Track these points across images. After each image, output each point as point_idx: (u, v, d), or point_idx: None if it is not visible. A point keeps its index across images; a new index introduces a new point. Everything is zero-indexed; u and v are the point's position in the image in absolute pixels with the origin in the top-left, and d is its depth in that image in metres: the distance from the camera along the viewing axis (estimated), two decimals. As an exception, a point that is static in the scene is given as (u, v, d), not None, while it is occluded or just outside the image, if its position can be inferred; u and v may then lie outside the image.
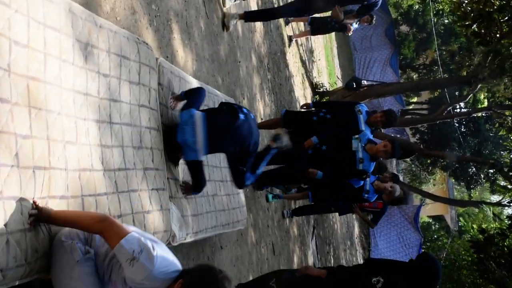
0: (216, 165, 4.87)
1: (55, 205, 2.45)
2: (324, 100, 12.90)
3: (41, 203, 2.36)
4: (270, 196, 7.32)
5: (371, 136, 6.34)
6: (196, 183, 4.02)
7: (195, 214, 4.13)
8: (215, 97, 4.95)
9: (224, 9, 6.29)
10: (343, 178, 6.29)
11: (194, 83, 4.47)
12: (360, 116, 6.35)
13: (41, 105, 2.46)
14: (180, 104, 4.06)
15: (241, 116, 3.95)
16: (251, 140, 4.04)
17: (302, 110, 6.92)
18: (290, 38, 10.84)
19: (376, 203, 7.50)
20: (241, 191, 5.37)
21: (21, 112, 2.32)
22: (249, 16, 6.72)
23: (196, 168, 3.93)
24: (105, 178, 2.89)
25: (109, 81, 3.06)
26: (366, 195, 6.87)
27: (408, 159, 27.57)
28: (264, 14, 7.24)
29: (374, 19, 10.74)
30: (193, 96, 3.96)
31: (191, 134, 3.71)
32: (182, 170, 4.14)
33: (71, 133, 2.64)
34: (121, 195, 3.01)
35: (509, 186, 17.75)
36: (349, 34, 10.88)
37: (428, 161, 24.15)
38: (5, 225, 2.14)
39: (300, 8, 6.50)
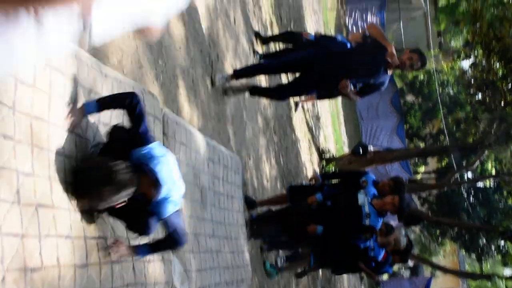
0: (220, 221, 4.82)
1: (62, 244, 2.42)
2: (331, 165, 12.90)
3: (48, 242, 2.34)
4: (268, 263, 7.05)
5: (375, 191, 6.25)
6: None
7: (198, 269, 4.05)
8: (220, 152, 4.96)
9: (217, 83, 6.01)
10: (349, 235, 6.15)
11: (199, 137, 4.49)
12: (364, 208, 6.20)
13: (44, 144, 2.46)
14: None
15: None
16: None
17: (309, 184, 6.97)
18: (296, 103, 10.96)
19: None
20: (246, 249, 5.29)
21: (23, 149, 2.32)
22: (252, 90, 6.58)
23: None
24: (106, 222, 2.86)
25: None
26: (371, 253, 6.69)
27: (417, 230, 27.24)
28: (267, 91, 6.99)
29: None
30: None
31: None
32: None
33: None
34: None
35: (520, 256, 17.42)
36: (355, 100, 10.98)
37: (438, 231, 23.84)
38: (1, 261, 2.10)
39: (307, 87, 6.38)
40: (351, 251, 6.51)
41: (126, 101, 2.77)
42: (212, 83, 5.81)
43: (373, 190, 6.07)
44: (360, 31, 22.13)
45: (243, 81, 6.47)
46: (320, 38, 7.92)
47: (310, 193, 6.42)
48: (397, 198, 5.77)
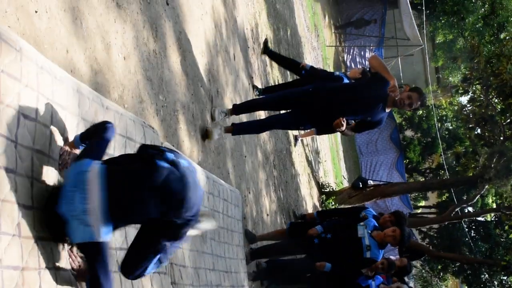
0: (220, 255, 4.80)
1: (60, 279, 2.42)
2: (330, 200, 12.88)
3: (47, 274, 2.34)
4: None
5: (376, 224, 6.23)
6: (93, 280, 2.46)
7: (198, 303, 4.03)
8: (220, 186, 4.97)
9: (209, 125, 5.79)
10: (351, 268, 6.09)
11: (199, 170, 4.50)
12: (364, 240, 6.18)
13: (45, 178, 2.48)
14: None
15: (162, 163, 2.59)
16: (185, 200, 2.58)
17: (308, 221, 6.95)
18: (295, 138, 11.01)
19: None
20: (246, 283, 5.25)
21: (24, 183, 2.34)
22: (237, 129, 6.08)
23: (92, 256, 2.46)
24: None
25: (114, 160, 3.09)
26: None
27: (418, 264, 27.03)
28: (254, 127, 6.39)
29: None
30: (93, 139, 2.66)
31: (80, 200, 2.40)
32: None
33: (73, 208, 2.64)
34: (122, 275, 2.95)
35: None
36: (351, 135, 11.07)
37: (439, 266, 23.65)
38: (1, 293, 2.10)
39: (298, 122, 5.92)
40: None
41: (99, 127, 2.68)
42: (212, 118, 5.81)
43: (373, 222, 6.06)
44: (359, 67, 22.40)
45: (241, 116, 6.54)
46: (318, 70, 8.03)
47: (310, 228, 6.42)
48: (398, 231, 5.75)
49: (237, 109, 6.04)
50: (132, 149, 3.32)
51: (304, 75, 7.76)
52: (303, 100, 5.57)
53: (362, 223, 5.95)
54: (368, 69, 7.41)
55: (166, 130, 4.61)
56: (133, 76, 4.10)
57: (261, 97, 7.71)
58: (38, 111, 2.49)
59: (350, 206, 12.42)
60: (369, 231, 5.87)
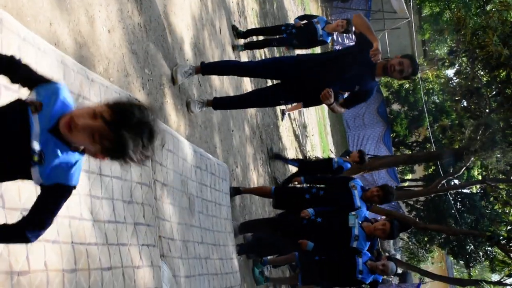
0: (208, 228, 4.83)
1: (49, 249, 2.41)
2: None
3: (35, 246, 2.33)
4: (256, 271, 7.00)
5: (367, 213, 6.27)
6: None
7: (187, 275, 4.05)
8: (207, 160, 4.97)
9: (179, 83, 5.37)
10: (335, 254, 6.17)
11: (187, 144, 4.50)
12: (355, 192, 6.24)
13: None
14: None
15: None
16: None
17: (294, 186, 6.89)
18: (283, 112, 11.00)
19: None
20: (234, 256, 5.29)
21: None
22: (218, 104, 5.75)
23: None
24: (95, 229, 2.86)
25: (100, 133, 3.08)
26: (360, 276, 6.62)
27: (405, 237, 27.34)
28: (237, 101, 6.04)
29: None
30: None
31: None
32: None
33: (60, 181, 2.63)
34: (111, 247, 2.97)
35: (508, 261, 17.49)
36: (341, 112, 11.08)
37: (426, 238, 23.93)
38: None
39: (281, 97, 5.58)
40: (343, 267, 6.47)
41: None
42: (173, 81, 5.18)
43: (364, 212, 6.08)
44: (345, 41, 22.32)
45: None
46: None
47: (297, 196, 6.45)
48: (388, 224, 5.78)
49: (205, 67, 5.46)
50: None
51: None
52: (286, 71, 5.26)
53: (353, 213, 5.95)
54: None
55: (153, 104, 4.58)
56: (118, 49, 4.06)
57: (236, 60, 7.29)
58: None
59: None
60: (360, 222, 5.89)
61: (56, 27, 3.22)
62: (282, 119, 11.01)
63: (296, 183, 6.79)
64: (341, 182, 6.54)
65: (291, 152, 11.35)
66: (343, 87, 5.36)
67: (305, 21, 8.33)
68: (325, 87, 4.95)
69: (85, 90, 2.96)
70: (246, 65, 5.77)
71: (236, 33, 7.97)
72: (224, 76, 6.96)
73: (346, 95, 5.48)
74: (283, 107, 11.14)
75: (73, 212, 2.68)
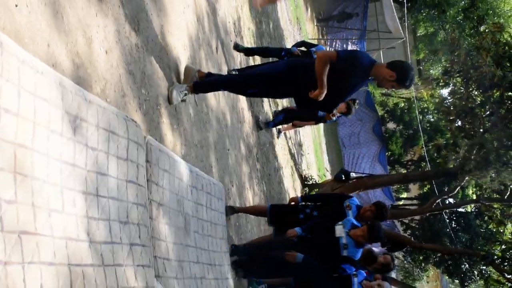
0: (204, 247, 4.82)
1: (45, 271, 2.41)
2: (313, 192, 12.94)
3: (32, 269, 2.33)
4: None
5: (355, 222, 6.27)
6: None
7: (182, 295, 4.04)
8: (203, 179, 4.97)
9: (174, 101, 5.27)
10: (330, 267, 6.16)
11: (183, 164, 4.51)
12: (349, 212, 6.27)
13: (27, 172, 2.47)
14: None
15: None
16: None
17: (290, 204, 6.88)
18: (279, 130, 11.04)
19: None
20: (229, 276, 5.27)
21: (6, 177, 2.33)
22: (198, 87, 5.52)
23: None
24: (91, 250, 2.86)
25: (96, 154, 3.09)
26: None
27: (400, 256, 27.29)
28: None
29: (357, 103, 10.92)
30: None
31: None
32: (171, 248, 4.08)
33: (57, 202, 2.64)
34: (107, 268, 2.96)
35: (502, 280, 17.46)
36: (333, 119, 11.11)
37: (421, 257, 23.89)
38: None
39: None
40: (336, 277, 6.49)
41: None
42: (169, 101, 5.18)
43: (352, 220, 6.09)
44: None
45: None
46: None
47: (291, 214, 6.46)
48: (366, 227, 5.79)
49: (197, 86, 5.42)
50: (115, 143, 3.32)
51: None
52: (281, 76, 5.15)
53: (340, 223, 5.97)
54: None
55: (149, 124, 4.60)
56: (115, 70, 4.09)
57: (227, 75, 6.92)
58: (20, 105, 2.48)
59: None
60: (347, 230, 5.89)
61: (54, 48, 3.25)
62: (278, 137, 11.04)
63: (293, 202, 6.79)
64: (337, 200, 6.55)
65: (287, 171, 11.37)
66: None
67: (302, 48, 8.38)
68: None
69: (82, 112, 2.97)
70: (237, 80, 5.66)
71: (238, 49, 8.00)
72: (221, 96, 7.00)
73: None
74: (279, 126, 11.17)
75: (70, 234, 2.68)
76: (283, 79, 5.10)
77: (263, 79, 5.20)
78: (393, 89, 5.01)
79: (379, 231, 5.82)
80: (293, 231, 6.02)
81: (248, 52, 8.38)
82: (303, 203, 6.74)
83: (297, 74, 5.05)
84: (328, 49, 24.25)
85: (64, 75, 3.12)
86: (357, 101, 10.93)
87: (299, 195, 12.06)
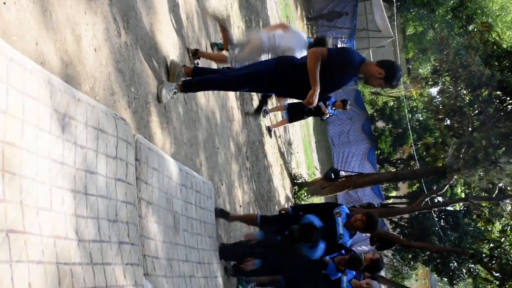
0: (193, 246, 4.82)
1: (33, 270, 2.41)
2: (303, 191, 12.97)
3: (20, 267, 2.33)
4: None
5: (350, 241, 6.35)
6: None
7: (171, 294, 4.04)
8: (192, 178, 4.97)
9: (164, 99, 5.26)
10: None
11: (172, 162, 4.51)
12: (338, 219, 6.27)
13: (16, 170, 2.46)
14: None
15: None
16: None
17: (280, 214, 6.96)
18: (268, 128, 11.06)
19: None
20: (219, 274, 5.28)
21: (-4, 176, 2.33)
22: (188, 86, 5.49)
23: None
24: (80, 248, 2.85)
25: (85, 152, 3.09)
26: None
27: (389, 254, 27.39)
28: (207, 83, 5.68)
29: (348, 104, 11.06)
30: None
31: None
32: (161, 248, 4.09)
33: (46, 200, 2.63)
34: (95, 267, 2.96)
35: (490, 278, 17.58)
36: (325, 118, 11.21)
37: (410, 255, 23.99)
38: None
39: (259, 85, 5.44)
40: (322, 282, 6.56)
41: None
42: (158, 99, 5.17)
43: (346, 210, 6.20)
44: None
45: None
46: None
47: (282, 222, 6.51)
48: (347, 257, 6.22)
49: (186, 85, 5.40)
50: (104, 141, 3.32)
51: None
52: (271, 75, 5.18)
53: (337, 210, 6.11)
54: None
55: (138, 122, 4.59)
56: (104, 68, 4.08)
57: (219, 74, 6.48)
58: (8, 103, 2.47)
59: (324, 201, 12.54)
60: (343, 222, 6.03)
61: (43, 46, 3.24)
62: (270, 136, 11.07)
63: (284, 212, 6.84)
64: (327, 209, 6.59)
65: (277, 169, 11.38)
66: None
67: None
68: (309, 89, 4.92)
69: (71, 110, 2.97)
70: (227, 80, 5.66)
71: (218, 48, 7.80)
72: (210, 94, 7.00)
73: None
74: (268, 123, 11.18)
75: (58, 232, 2.67)
76: (273, 78, 5.13)
77: (253, 78, 5.22)
78: (380, 88, 5.08)
79: (376, 219, 6.08)
80: (286, 209, 6.21)
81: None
82: (294, 214, 6.81)
83: (287, 72, 5.08)
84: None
85: (52, 73, 3.11)
86: (349, 102, 11.04)
87: (289, 195, 12.11)
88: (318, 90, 4.79)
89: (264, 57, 6.22)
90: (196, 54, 6.65)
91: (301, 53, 6.20)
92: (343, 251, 6.80)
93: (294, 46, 6.30)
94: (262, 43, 6.31)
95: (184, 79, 5.53)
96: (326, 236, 6.11)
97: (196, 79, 5.55)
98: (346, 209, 6.46)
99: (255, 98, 10.47)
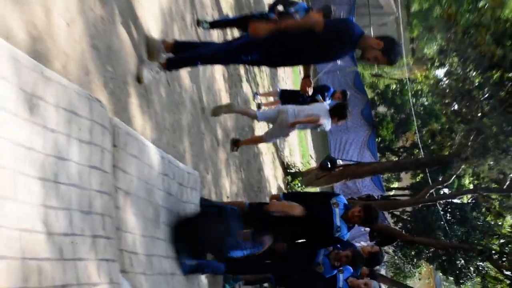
0: (175, 240, 4.80)
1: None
2: (296, 181, 12.97)
3: None
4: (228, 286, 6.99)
5: (348, 235, 6.34)
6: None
7: (150, 293, 4.03)
8: (175, 167, 4.95)
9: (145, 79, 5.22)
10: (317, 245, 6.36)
11: (153, 149, 4.48)
12: (335, 210, 6.25)
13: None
14: None
15: None
16: None
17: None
18: (259, 106, 10.99)
19: None
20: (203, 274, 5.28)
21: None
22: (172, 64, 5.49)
23: None
24: (48, 243, 2.82)
25: (56, 137, 3.04)
26: None
27: (390, 250, 27.55)
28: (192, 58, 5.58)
29: (348, 96, 11.07)
30: None
31: None
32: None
33: (10, 189, 2.60)
34: (66, 263, 2.93)
35: (500, 277, 17.71)
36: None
37: (413, 252, 24.14)
38: None
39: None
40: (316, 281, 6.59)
41: None
42: (139, 80, 5.14)
43: (344, 200, 6.22)
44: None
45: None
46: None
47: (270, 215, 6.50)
48: (351, 254, 6.38)
49: (170, 63, 5.41)
50: (77, 125, 3.28)
51: None
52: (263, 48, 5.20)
53: (334, 201, 6.15)
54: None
55: (116, 105, 4.56)
56: (77, 44, 4.03)
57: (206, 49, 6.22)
58: (-31, 82, 2.44)
59: (319, 190, 12.55)
60: (341, 214, 6.03)
61: (7, 18, 3.19)
62: (254, 98, 11.01)
63: (274, 200, 6.79)
64: (323, 198, 6.56)
65: (268, 158, 11.38)
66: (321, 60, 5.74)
67: (280, 9, 8.32)
68: (305, 58, 5.24)
69: (40, 90, 2.92)
70: (213, 52, 5.53)
71: (202, 26, 7.71)
72: (195, 75, 6.96)
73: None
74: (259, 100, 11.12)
75: (24, 224, 2.64)
76: (265, 48, 5.15)
77: (242, 50, 5.23)
78: (376, 63, 5.09)
79: (376, 212, 6.13)
80: (276, 196, 6.22)
81: (214, 25, 8.11)
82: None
83: (276, 40, 5.07)
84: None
85: (19, 49, 3.07)
86: (348, 94, 11.06)
87: (281, 192, 12.10)
88: (310, 76, 4.89)
89: None
90: (237, 144, 8.33)
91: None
92: (338, 245, 6.82)
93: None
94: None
95: (166, 57, 5.49)
96: (321, 229, 6.12)
97: (179, 56, 5.53)
98: (344, 199, 6.43)
99: (244, 80, 10.44)
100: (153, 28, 5.72)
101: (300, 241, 6.57)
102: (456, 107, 16.65)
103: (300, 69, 10.80)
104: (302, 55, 5.16)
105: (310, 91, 5.50)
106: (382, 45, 4.95)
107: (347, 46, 5.10)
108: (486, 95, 14.87)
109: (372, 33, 23.84)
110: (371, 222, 6.33)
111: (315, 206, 6.22)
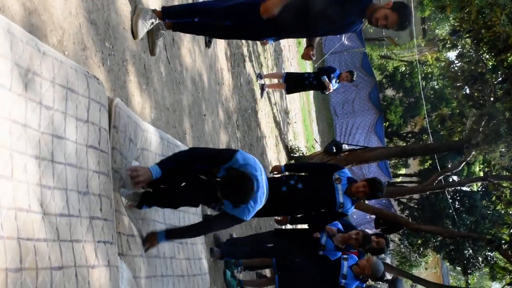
0: (175, 223, 4.83)
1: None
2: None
3: None
4: (228, 273, 6.99)
5: (352, 208, 6.35)
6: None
7: (149, 276, 4.06)
8: (175, 147, 4.96)
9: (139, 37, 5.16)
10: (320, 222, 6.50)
11: (152, 129, 4.49)
12: (338, 186, 6.20)
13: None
14: None
15: None
16: None
17: (272, 176, 6.86)
18: (262, 87, 10.97)
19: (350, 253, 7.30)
20: (203, 256, 5.30)
21: None
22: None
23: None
24: (45, 223, 2.84)
25: (52, 114, 3.06)
26: (343, 281, 6.63)
27: (396, 239, 27.61)
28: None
29: (355, 76, 11.04)
30: None
31: None
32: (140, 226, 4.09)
33: (6, 167, 2.61)
34: (62, 244, 2.96)
35: (510, 268, 17.74)
36: (328, 93, 11.17)
37: (419, 241, 24.19)
38: None
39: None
40: (320, 263, 6.65)
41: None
42: (134, 35, 5.06)
43: (347, 174, 6.28)
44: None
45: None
46: None
47: (272, 186, 6.49)
48: (361, 234, 6.53)
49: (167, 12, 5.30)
50: (74, 102, 3.29)
51: None
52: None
53: (336, 176, 6.17)
54: None
55: (114, 82, 4.56)
56: (74, 18, 4.02)
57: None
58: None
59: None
60: (343, 189, 6.11)
61: (3, -10, 3.18)
62: (262, 95, 11.00)
63: (276, 172, 6.77)
64: (326, 172, 6.48)
65: (271, 141, 11.39)
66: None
67: None
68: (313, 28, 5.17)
69: (35, 65, 2.93)
70: (210, 8, 5.30)
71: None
72: (197, 54, 6.94)
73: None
74: (263, 81, 11.07)
75: (20, 203, 2.66)
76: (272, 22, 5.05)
77: (239, 10, 5.04)
78: (385, 23, 4.91)
79: (381, 186, 6.15)
80: (277, 167, 6.54)
81: None
82: (287, 173, 6.74)
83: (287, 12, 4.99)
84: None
85: (13, 21, 3.07)
86: (355, 73, 11.02)
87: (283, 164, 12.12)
88: (314, 47, 5.19)
89: None
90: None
91: None
92: (340, 227, 6.87)
93: None
94: None
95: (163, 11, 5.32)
96: (323, 205, 6.20)
97: (177, 6, 5.70)
98: (348, 173, 6.38)
99: (247, 60, 10.42)
100: (153, 2, 5.70)
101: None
102: (467, 91, 16.58)
103: (304, 42, 10.73)
104: (311, 24, 5.06)
105: (313, 58, 5.55)
106: (391, 5, 4.94)
107: (356, 8, 5.03)
108: (500, 78, 14.79)
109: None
110: (377, 196, 6.32)
111: (316, 183, 6.21)
